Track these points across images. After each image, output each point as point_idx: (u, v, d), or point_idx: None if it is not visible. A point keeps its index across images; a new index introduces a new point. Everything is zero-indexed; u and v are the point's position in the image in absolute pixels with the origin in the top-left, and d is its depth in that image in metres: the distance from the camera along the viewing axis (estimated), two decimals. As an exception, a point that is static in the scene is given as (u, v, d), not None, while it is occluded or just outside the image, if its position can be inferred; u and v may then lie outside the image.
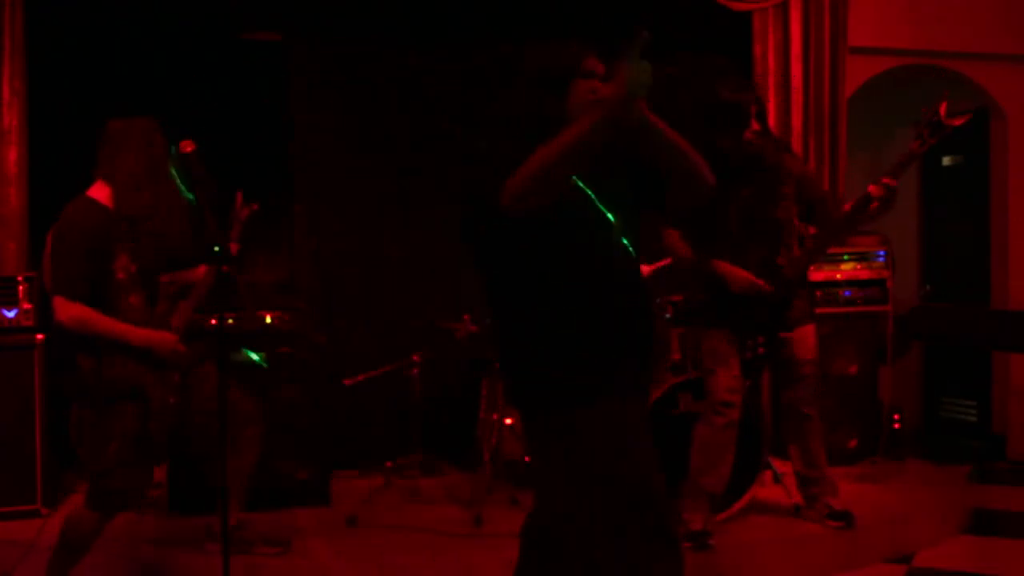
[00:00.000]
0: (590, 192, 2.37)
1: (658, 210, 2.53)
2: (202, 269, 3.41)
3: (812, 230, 4.51)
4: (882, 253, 5.26)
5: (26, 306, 4.23)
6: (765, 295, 3.88)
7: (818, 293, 5.07)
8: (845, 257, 5.23)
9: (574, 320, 2.32)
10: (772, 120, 5.16)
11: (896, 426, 5.33)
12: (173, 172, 3.22)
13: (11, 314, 4.23)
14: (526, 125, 2.38)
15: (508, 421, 4.61)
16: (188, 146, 3.14)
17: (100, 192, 3.23)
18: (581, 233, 2.35)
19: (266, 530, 3.87)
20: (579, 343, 2.32)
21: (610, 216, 2.39)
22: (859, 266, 5.25)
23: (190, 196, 3.13)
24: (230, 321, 4.35)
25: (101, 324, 3.12)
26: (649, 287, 3.46)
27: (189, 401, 3.40)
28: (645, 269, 3.53)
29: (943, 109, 3.52)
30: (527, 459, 4.65)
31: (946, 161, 6.24)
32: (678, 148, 2.29)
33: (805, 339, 4.09)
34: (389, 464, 4.80)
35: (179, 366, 3.28)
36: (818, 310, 4.43)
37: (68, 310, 3.09)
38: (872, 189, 3.67)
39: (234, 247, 3.42)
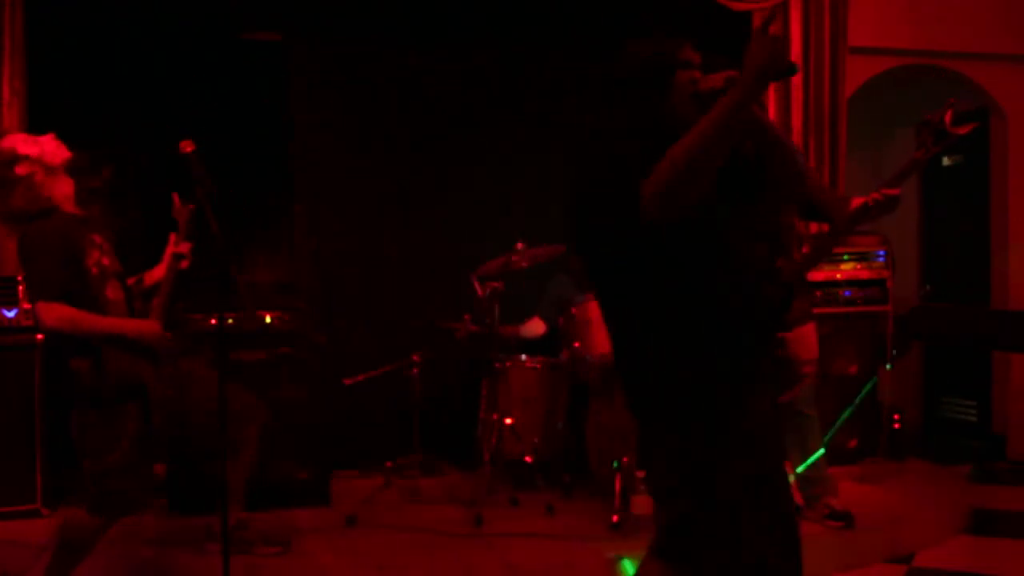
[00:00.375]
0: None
1: (753, 204, 2.40)
2: (162, 267, 3.42)
3: (813, 228, 4.50)
4: (882, 253, 5.26)
5: (26, 306, 4.22)
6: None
7: (818, 293, 5.07)
8: (845, 257, 5.22)
9: (722, 320, 2.21)
10: (772, 119, 5.16)
11: (896, 426, 5.33)
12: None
13: (11, 314, 4.23)
14: (633, 125, 2.28)
15: (508, 421, 4.61)
16: (188, 146, 3.13)
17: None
18: (715, 231, 2.24)
19: (266, 530, 3.87)
20: (729, 343, 2.22)
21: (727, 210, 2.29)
22: (859, 266, 5.24)
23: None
24: (230, 321, 4.36)
25: (87, 321, 3.08)
26: None
27: (188, 401, 3.39)
28: None
29: (948, 116, 3.47)
30: (527, 458, 4.66)
31: (946, 161, 6.24)
32: (783, 140, 2.25)
33: (804, 339, 4.08)
34: (389, 464, 4.80)
35: (170, 356, 3.26)
36: (818, 310, 4.43)
37: (52, 312, 3.04)
38: (870, 201, 3.65)
39: (185, 246, 3.42)
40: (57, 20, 4.74)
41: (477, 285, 4.71)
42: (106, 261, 3.23)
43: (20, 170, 3.13)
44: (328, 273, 5.31)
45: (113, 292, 3.22)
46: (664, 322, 2.23)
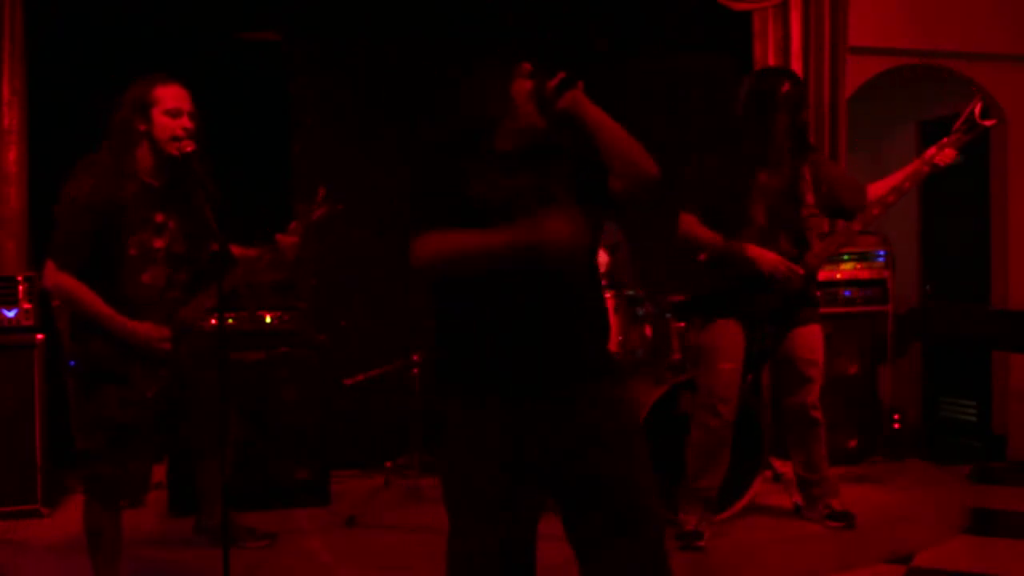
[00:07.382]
0: None
1: (602, 204, 2.35)
2: (257, 250, 3.39)
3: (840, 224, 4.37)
4: (882, 253, 5.25)
5: (26, 306, 4.23)
6: (787, 283, 3.84)
7: (818, 293, 5.07)
8: (845, 257, 5.22)
9: None
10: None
11: (896, 426, 5.33)
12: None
13: (11, 314, 4.23)
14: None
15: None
16: (188, 146, 3.13)
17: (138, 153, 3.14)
18: None
19: (252, 525, 3.89)
20: None
21: None
22: (859, 266, 5.24)
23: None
24: (230, 321, 4.35)
25: (84, 302, 3.02)
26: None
27: (182, 401, 3.36)
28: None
29: (979, 109, 3.52)
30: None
31: (946, 161, 6.23)
32: (614, 136, 2.23)
33: (810, 338, 4.06)
34: (389, 464, 4.80)
35: (161, 361, 3.17)
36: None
37: (55, 277, 3.02)
38: (928, 161, 3.67)
39: (292, 238, 3.47)
40: (57, 20, 4.73)
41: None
42: (157, 244, 3.12)
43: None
44: (328, 273, 5.30)
45: (150, 277, 3.12)
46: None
